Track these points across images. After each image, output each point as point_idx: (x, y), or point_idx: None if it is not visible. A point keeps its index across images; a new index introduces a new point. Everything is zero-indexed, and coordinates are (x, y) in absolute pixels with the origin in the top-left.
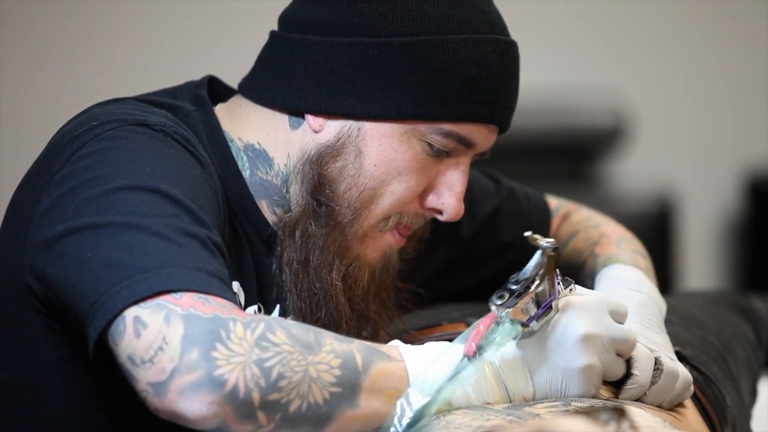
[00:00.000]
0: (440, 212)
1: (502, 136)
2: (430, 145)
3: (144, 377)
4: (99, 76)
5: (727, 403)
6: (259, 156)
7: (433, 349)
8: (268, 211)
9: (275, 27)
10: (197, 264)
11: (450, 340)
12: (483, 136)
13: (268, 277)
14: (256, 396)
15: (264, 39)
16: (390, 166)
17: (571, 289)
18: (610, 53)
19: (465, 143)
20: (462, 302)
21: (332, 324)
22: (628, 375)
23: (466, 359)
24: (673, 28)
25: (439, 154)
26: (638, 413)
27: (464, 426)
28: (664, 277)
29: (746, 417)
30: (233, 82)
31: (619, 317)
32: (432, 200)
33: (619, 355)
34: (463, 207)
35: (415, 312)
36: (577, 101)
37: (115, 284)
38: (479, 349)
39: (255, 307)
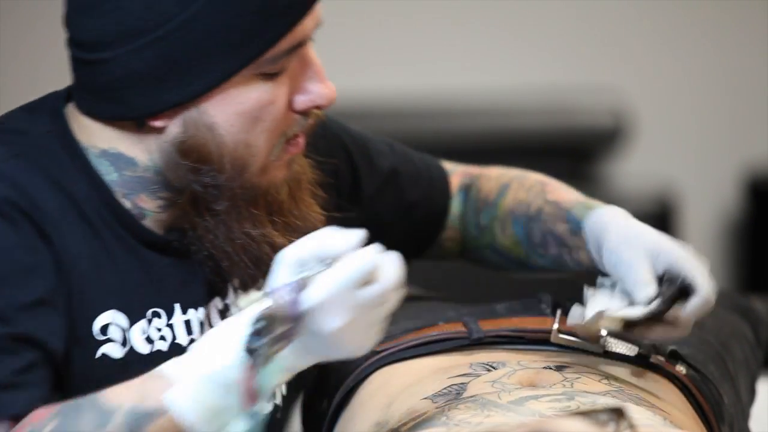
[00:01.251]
0: (317, 106)
1: (502, 136)
2: (267, 74)
3: None
4: None
5: (724, 402)
6: (119, 159)
7: (202, 382)
8: (151, 201)
9: None
10: None
11: (445, 340)
12: (306, 26)
13: (165, 279)
14: None
15: None
16: (244, 117)
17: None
18: (610, 53)
19: (295, 48)
20: (459, 302)
21: (279, 250)
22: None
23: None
24: (673, 28)
25: (280, 72)
26: (637, 411)
27: (464, 423)
28: None
29: (744, 416)
30: None
31: (373, 276)
32: (302, 102)
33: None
34: (332, 85)
35: (412, 311)
36: (577, 101)
37: None
38: (257, 395)
39: (144, 323)
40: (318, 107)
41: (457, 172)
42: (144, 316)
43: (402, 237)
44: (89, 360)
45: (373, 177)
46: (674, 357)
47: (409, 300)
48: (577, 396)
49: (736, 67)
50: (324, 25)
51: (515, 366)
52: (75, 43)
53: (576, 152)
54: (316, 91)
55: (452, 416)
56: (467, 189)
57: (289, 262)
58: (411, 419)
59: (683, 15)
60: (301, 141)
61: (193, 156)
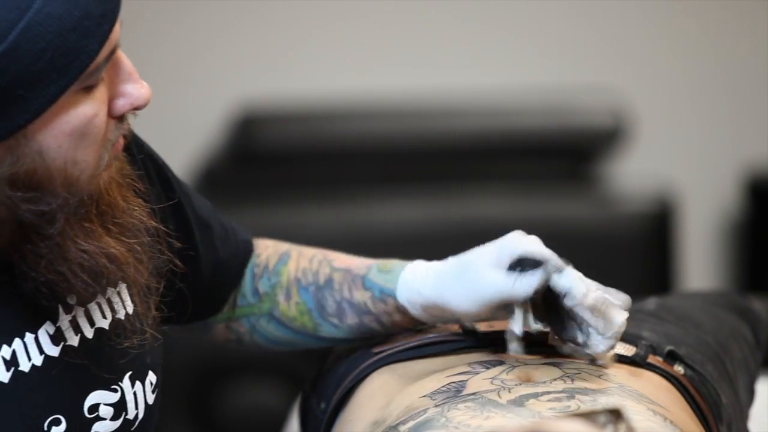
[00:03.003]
0: (136, 107)
1: (502, 136)
2: (88, 86)
3: None
4: None
5: (722, 402)
6: None
7: None
8: None
9: (271, 28)
10: None
11: (443, 342)
12: (117, 30)
13: None
14: None
15: (261, 38)
16: (73, 135)
17: None
18: (610, 53)
19: (112, 54)
20: None
21: (116, 260)
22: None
23: None
24: (673, 28)
25: (98, 82)
26: (636, 411)
27: (463, 425)
28: (664, 277)
29: (743, 416)
30: (230, 82)
31: None
32: (122, 105)
33: None
34: (146, 84)
35: None
36: (577, 101)
37: None
38: None
39: None
40: (137, 108)
41: (258, 240)
42: None
43: (202, 293)
44: None
45: (195, 216)
46: (672, 357)
47: None
48: (577, 394)
49: (736, 67)
50: (324, 25)
51: (513, 362)
52: None
53: (576, 152)
54: (134, 93)
55: (451, 418)
56: None
57: None
58: (408, 417)
59: (683, 15)
60: (122, 142)
61: (23, 186)
